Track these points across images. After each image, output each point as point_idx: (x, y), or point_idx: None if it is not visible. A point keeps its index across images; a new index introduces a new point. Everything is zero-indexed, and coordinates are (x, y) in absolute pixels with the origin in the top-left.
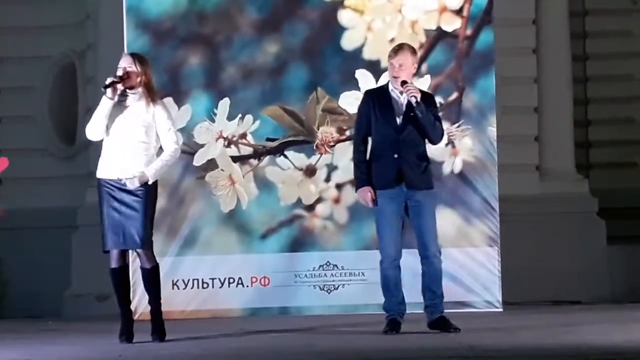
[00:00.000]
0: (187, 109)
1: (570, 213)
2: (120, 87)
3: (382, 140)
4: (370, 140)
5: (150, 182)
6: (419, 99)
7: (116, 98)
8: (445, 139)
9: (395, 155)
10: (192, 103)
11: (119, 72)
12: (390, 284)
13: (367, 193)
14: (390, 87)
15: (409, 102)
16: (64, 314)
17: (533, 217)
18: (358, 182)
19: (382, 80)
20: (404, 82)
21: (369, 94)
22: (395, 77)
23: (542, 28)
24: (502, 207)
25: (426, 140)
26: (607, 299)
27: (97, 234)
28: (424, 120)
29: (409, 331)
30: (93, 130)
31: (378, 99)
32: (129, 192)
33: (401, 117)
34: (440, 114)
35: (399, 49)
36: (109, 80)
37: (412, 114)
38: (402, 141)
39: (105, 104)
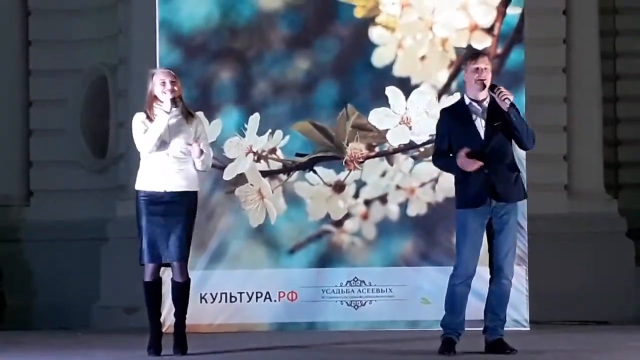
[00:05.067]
0: (217, 124)
1: (599, 233)
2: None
3: (468, 157)
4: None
5: (196, 157)
6: (512, 100)
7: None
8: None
9: (485, 170)
10: (223, 118)
11: (168, 87)
12: (458, 302)
13: (464, 157)
14: (467, 100)
15: (489, 112)
16: (92, 326)
17: (561, 236)
18: (451, 164)
19: (413, 98)
20: (493, 86)
21: (446, 111)
22: (481, 80)
23: (573, 47)
24: (530, 226)
25: (514, 149)
26: (634, 320)
27: (126, 246)
28: (517, 123)
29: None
30: (150, 145)
31: (457, 115)
32: (169, 204)
33: (484, 129)
34: None
35: (478, 53)
36: (171, 96)
37: (495, 124)
38: (490, 154)
39: (164, 119)
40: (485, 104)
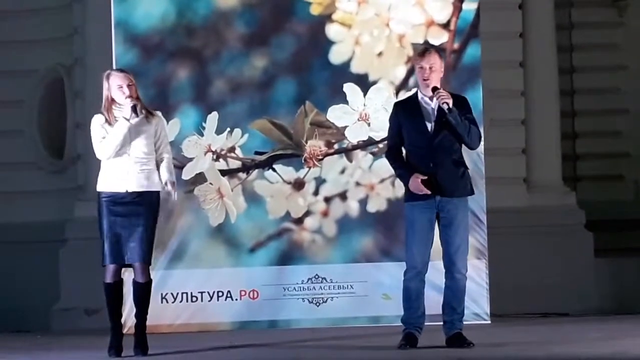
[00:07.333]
0: (175, 123)
1: (558, 225)
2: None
3: (415, 151)
4: (403, 150)
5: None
6: (450, 105)
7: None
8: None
9: (431, 164)
10: (181, 117)
11: (127, 92)
12: (412, 296)
13: (418, 182)
14: (419, 95)
15: (440, 107)
16: (52, 328)
17: (521, 229)
18: (405, 179)
19: (371, 94)
20: (435, 89)
21: (398, 105)
22: (425, 81)
23: (529, 41)
24: (490, 219)
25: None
26: (594, 312)
27: (86, 247)
28: (458, 127)
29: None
30: (109, 152)
31: (407, 109)
32: (132, 205)
33: (433, 123)
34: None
35: (425, 50)
36: (131, 104)
37: (444, 119)
38: (436, 148)
39: (124, 126)
40: (436, 100)
